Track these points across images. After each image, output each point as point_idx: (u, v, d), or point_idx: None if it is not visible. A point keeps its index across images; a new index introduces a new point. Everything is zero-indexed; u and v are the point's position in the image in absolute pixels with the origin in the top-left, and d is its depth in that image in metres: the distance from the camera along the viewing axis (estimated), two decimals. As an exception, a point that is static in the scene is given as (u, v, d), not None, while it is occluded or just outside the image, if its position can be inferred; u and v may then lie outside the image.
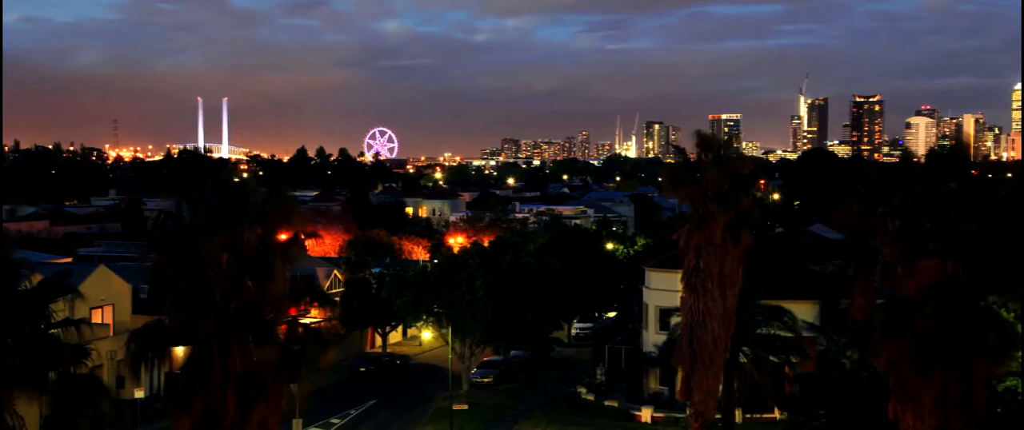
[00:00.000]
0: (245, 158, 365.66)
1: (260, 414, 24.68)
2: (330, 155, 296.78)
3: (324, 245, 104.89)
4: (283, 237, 26.92)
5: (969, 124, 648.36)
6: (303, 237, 27.93)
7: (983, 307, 23.79)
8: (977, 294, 23.47)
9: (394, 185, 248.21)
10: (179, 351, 27.55)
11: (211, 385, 24.35)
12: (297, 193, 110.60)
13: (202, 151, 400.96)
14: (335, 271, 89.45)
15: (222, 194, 26.14)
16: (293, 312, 28.19)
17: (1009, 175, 29.78)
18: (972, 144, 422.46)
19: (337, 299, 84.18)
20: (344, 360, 78.85)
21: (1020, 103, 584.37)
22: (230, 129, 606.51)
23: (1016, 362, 37.37)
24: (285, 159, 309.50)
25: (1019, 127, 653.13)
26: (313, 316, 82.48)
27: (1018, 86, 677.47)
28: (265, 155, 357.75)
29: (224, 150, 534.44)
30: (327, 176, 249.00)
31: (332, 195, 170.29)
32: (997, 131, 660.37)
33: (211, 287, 24.85)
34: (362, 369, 77.36)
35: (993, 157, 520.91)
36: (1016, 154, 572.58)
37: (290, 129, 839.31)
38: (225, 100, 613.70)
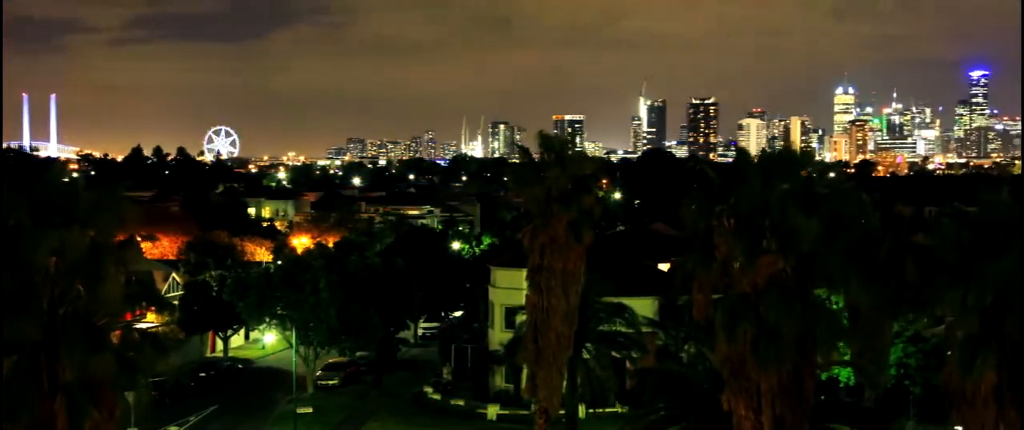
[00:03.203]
0: (76, 157, 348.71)
1: (93, 424, 23.63)
2: (168, 154, 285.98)
3: (162, 247, 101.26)
4: (117, 239, 25.85)
5: (796, 126, 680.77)
6: (138, 239, 26.93)
7: (813, 301, 24.96)
8: (808, 288, 24.62)
9: (236, 185, 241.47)
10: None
11: (38, 396, 23.16)
12: (133, 193, 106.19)
13: (28, 150, 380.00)
14: (174, 274, 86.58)
15: (49, 194, 24.87)
16: (128, 317, 27.16)
17: (832, 175, 31.33)
18: (799, 145, 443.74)
19: (176, 303, 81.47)
20: (184, 365, 76.42)
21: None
22: (59, 127, 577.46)
23: (840, 352, 39.44)
24: (119, 158, 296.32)
25: (840, 129, 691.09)
26: (150, 321, 79.66)
27: (839, 90, 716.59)
28: (98, 154, 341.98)
29: (52, 149, 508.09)
30: (165, 176, 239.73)
31: (170, 195, 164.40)
32: (820, 132, 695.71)
33: (38, 292, 23.63)
34: (202, 374, 75.07)
35: (818, 157, 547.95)
36: (839, 155, 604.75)
37: (125, 127, 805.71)
38: (53, 96, 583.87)
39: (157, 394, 63.57)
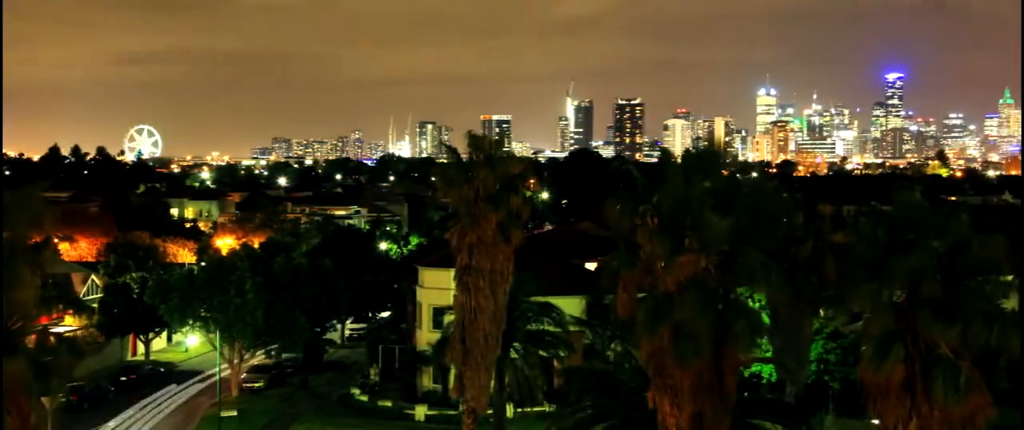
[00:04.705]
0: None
1: (6, 431, 23.02)
2: (87, 154, 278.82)
3: (80, 249, 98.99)
4: (32, 241, 25.22)
5: (719, 126, 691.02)
6: (55, 240, 26.31)
7: (733, 298, 25.34)
8: (728, 286, 24.99)
9: (158, 185, 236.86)
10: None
11: (-51, 402, 22.47)
12: (50, 194, 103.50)
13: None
14: (93, 276, 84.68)
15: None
16: (44, 320, 26.55)
17: (755, 175, 31.87)
18: (722, 146, 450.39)
19: (95, 305, 79.75)
20: (103, 369, 74.85)
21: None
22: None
23: (760, 349, 40.17)
24: (35, 158, 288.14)
25: (763, 129, 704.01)
26: (67, 324, 77.80)
27: (761, 91, 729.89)
28: (12, 153, 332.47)
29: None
30: (84, 176, 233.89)
31: (89, 196, 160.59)
32: (743, 132, 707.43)
33: (-52, 296, 22.93)
34: (123, 378, 73.55)
35: (741, 157, 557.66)
36: (761, 155, 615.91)
37: (42, 125, 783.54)
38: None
39: (75, 399, 62.23)
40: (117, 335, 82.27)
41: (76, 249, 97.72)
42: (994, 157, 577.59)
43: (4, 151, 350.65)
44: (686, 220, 24.54)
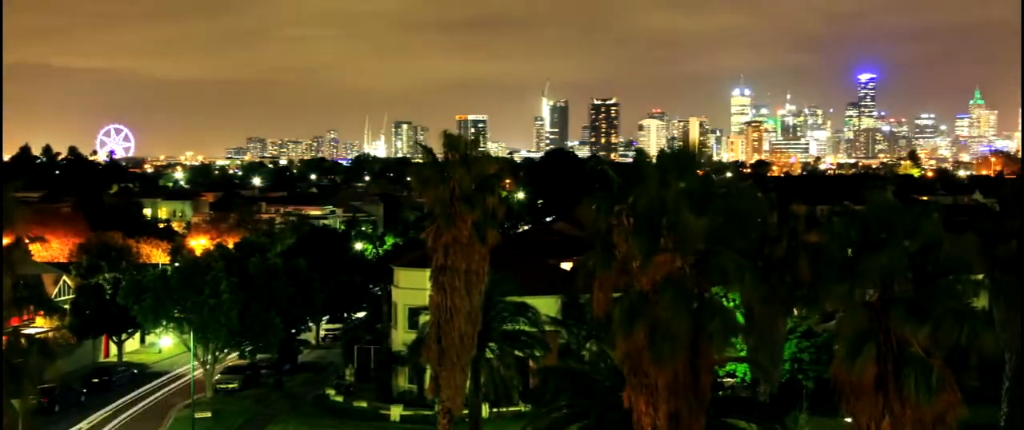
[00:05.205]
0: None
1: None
2: (58, 154, 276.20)
3: (52, 249, 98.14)
4: (3, 242, 25.00)
5: (694, 127, 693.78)
6: (26, 241, 26.08)
7: (708, 298, 25.46)
8: (703, 286, 25.11)
9: (131, 185, 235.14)
10: None
11: (-81, 405, 22.22)
12: (22, 194, 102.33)
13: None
14: (65, 277, 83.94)
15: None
16: (15, 322, 26.34)
17: (729, 175, 32.04)
18: (697, 146, 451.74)
19: (67, 307, 79.12)
20: (75, 371, 74.23)
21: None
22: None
23: (735, 348, 40.40)
24: (6, 158, 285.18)
25: (737, 130, 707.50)
26: (39, 325, 77.13)
27: (735, 92, 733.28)
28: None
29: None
30: (55, 176, 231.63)
31: (61, 196, 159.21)
32: (718, 132, 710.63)
33: (-82, 297, 22.69)
34: (95, 380, 72.94)
35: (715, 158, 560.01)
36: (736, 155, 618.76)
37: (13, 124, 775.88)
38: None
39: (47, 401, 61.68)
40: (89, 336, 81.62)
41: (48, 250, 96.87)
42: (965, 157, 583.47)
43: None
44: (662, 220, 24.62)
